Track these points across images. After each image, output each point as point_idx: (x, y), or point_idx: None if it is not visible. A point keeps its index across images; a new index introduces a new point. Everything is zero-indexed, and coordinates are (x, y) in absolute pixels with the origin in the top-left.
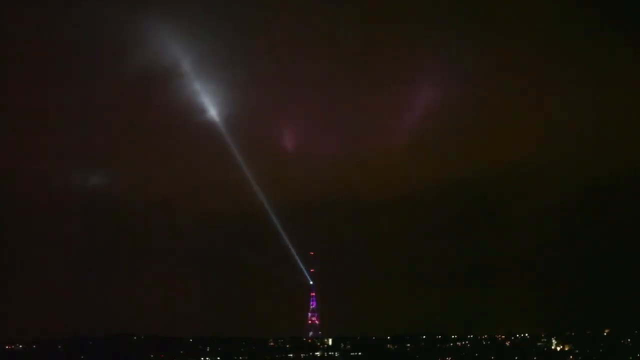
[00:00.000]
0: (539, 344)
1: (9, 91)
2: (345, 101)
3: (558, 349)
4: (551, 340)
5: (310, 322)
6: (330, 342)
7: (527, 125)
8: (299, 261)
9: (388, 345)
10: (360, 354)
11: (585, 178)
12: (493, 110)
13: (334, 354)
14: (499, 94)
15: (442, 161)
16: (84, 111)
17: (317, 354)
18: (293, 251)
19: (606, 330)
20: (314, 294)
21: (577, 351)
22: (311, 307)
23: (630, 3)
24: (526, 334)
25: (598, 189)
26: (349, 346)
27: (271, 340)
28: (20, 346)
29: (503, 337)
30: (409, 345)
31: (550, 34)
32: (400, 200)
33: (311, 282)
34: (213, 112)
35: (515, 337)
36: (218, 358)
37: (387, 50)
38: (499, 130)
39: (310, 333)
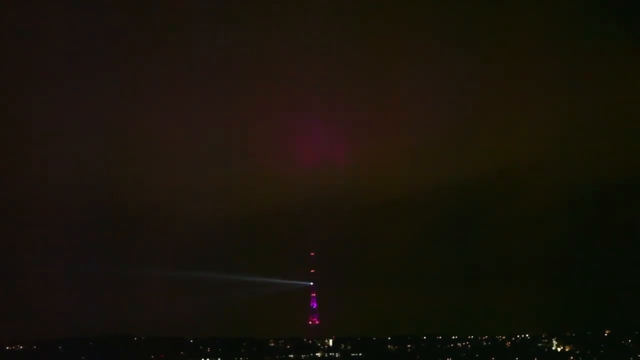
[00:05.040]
0: (539, 344)
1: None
2: (345, 102)
3: (559, 349)
4: (552, 341)
5: (310, 322)
6: (330, 342)
7: (529, 126)
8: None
9: (388, 345)
10: (360, 354)
11: (586, 179)
12: (494, 111)
13: (335, 354)
14: (500, 95)
15: (443, 161)
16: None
17: (318, 354)
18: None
19: (607, 331)
20: (314, 294)
21: (577, 352)
22: (311, 307)
23: (631, 4)
24: (527, 335)
25: (599, 190)
26: (349, 347)
27: (271, 340)
28: (21, 346)
29: (503, 337)
30: (409, 345)
31: (551, 35)
32: (400, 201)
33: (311, 283)
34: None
35: (516, 337)
36: (218, 359)
37: (388, 52)
38: (500, 131)
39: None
